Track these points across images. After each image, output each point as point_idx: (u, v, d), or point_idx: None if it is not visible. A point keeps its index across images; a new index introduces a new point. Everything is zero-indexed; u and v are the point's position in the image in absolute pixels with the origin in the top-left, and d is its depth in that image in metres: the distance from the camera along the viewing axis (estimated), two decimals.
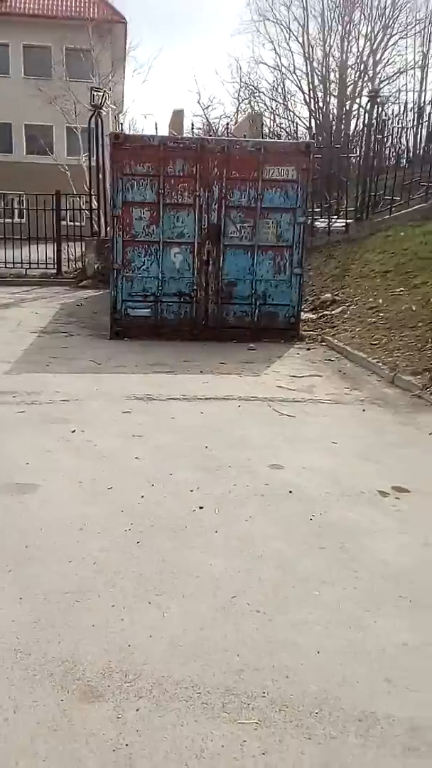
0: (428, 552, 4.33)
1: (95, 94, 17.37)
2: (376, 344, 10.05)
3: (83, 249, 18.58)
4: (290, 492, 5.16)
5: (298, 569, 4.05)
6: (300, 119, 34.60)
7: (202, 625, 3.44)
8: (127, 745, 2.63)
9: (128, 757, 2.58)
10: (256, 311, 11.51)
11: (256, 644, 3.31)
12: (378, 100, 16.27)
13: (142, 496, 4.95)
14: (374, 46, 32.68)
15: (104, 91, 18.33)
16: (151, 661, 3.13)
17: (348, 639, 3.40)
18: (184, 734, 2.71)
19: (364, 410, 7.47)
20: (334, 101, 33.05)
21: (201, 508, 4.81)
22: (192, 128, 21.22)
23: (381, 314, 11.14)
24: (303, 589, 3.84)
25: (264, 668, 3.14)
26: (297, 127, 32.88)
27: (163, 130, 23.50)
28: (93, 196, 18.08)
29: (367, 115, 16.07)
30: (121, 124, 25.90)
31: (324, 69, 32.91)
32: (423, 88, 29.22)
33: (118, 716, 2.78)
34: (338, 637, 3.41)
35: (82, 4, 37.29)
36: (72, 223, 19.30)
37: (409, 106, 19.10)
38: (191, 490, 5.10)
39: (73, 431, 6.32)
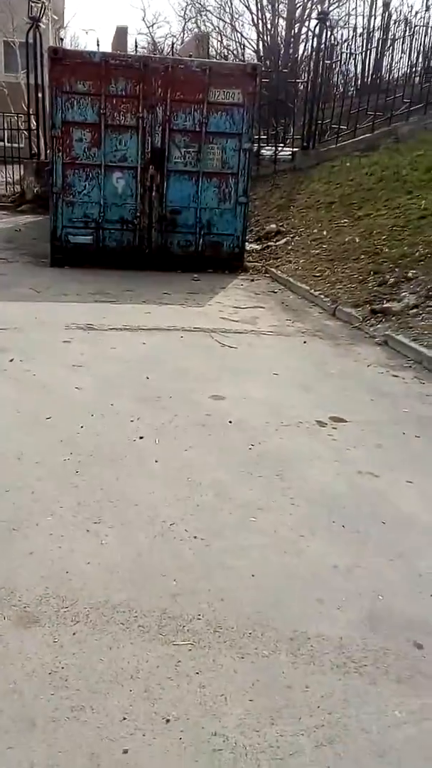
0: (361, 479, 4.44)
1: (33, 5, 16.48)
2: (318, 276, 10.09)
3: (22, 172, 17.89)
4: (230, 422, 5.21)
5: (236, 497, 4.12)
6: (248, 41, 33.72)
7: (140, 552, 3.49)
8: (63, 667, 2.69)
9: (64, 679, 2.63)
10: (201, 240, 11.41)
11: (192, 569, 3.38)
12: (327, 23, 15.86)
13: (82, 427, 4.94)
14: None
15: (43, 3, 17.43)
16: (89, 587, 3.18)
17: (282, 563, 3.49)
18: (120, 656, 2.77)
19: (305, 342, 7.54)
20: (282, 23, 32.14)
21: (141, 438, 4.83)
22: (136, 47, 20.45)
23: (324, 246, 11.16)
24: (240, 515, 3.91)
25: (200, 592, 3.21)
26: (245, 50, 32.08)
27: (106, 48, 22.55)
28: (32, 116, 17.26)
29: (315, 39, 15.65)
30: (62, 39, 24.69)
31: None
32: (372, 12, 28.56)
33: (54, 640, 2.83)
34: (273, 561, 3.50)
35: None
36: (10, 144, 18.55)
37: (358, 31, 18.86)
38: (131, 420, 5.11)
39: (11, 360, 6.24)
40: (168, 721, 2.48)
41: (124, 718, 2.47)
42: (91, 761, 2.29)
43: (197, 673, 2.72)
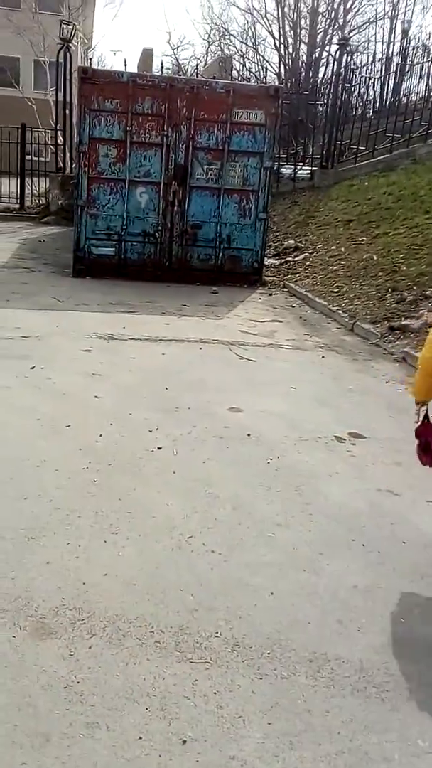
0: (381, 497, 4.37)
1: (65, 27, 16.82)
2: (336, 292, 10.05)
3: (47, 184, 18.15)
4: (248, 435, 5.16)
5: (253, 511, 4.06)
6: (270, 64, 34.04)
7: (157, 565, 3.44)
8: (78, 682, 2.63)
9: (79, 694, 2.57)
10: (221, 254, 11.43)
11: (210, 584, 3.32)
12: (347, 48, 16.02)
13: (101, 435, 4.90)
14: None
15: (74, 25, 17.75)
16: (105, 600, 3.12)
17: (301, 581, 3.43)
18: (136, 672, 2.71)
19: (323, 357, 7.48)
20: (303, 48, 32.37)
21: (159, 448, 4.79)
22: (161, 68, 20.64)
23: (343, 262, 11.12)
24: (258, 530, 3.86)
25: (218, 608, 3.15)
26: (266, 72, 32.35)
27: (132, 69, 22.83)
28: (59, 132, 17.60)
29: (336, 63, 15.83)
30: (90, 59, 25.10)
31: (295, 14, 32.16)
32: (392, 39, 28.70)
33: (70, 653, 2.77)
34: (291, 578, 3.44)
35: None
36: (37, 158, 18.78)
37: (378, 56, 18.96)
38: (150, 431, 5.07)
39: (33, 368, 6.22)
40: (185, 742, 2.41)
41: (140, 738, 2.41)
42: None
43: (215, 692, 2.66)
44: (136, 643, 2.87)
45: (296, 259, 12.54)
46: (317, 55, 31.69)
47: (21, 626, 2.90)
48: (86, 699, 2.55)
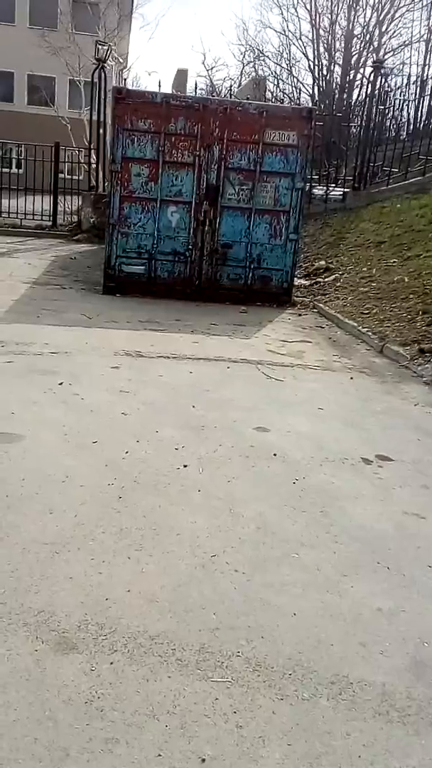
0: (407, 520, 4.34)
1: (100, 47, 17.15)
2: (366, 314, 10.03)
3: (80, 203, 18.49)
4: (274, 455, 5.15)
5: (278, 531, 4.05)
6: (303, 86, 34.48)
7: (180, 582, 3.44)
8: (99, 697, 2.63)
9: (100, 709, 2.57)
10: (250, 274, 11.50)
11: (233, 603, 3.31)
12: (382, 71, 16.15)
13: (127, 452, 4.92)
14: (381, 17, 32.23)
15: (109, 46, 18.09)
16: (128, 616, 3.12)
17: (324, 602, 3.41)
18: (157, 689, 2.71)
19: (351, 378, 7.46)
20: (338, 70, 32.78)
21: (185, 466, 4.79)
22: (195, 88, 21.05)
23: (373, 284, 11.11)
24: (282, 550, 3.84)
25: (240, 627, 3.14)
26: (300, 94, 32.69)
27: (167, 89, 23.20)
28: (92, 151, 17.89)
29: (370, 85, 15.96)
30: (125, 79, 25.54)
31: (330, 37, 32.56)
32: (427, 62, 28.88)
33: (91, 668, 2.78)
34: (315, 599, 3.42)
35: None
36: (70, 177, 19.13)
37: (412, 79, 19.06)
38: (176, 448, 5.09)
39: (61, 384, 6.27)
40: (204, 760, 2.40)
41: (159, 755, 2.40)
42: None
43: (235, 712, 2.64)
44: (158, 660, 2.87)
45: (326, 279, 12.56)
46: (351, 77, 32.05)
47: (43, 640, 2.91)
48: (106, 714, 2.55)
